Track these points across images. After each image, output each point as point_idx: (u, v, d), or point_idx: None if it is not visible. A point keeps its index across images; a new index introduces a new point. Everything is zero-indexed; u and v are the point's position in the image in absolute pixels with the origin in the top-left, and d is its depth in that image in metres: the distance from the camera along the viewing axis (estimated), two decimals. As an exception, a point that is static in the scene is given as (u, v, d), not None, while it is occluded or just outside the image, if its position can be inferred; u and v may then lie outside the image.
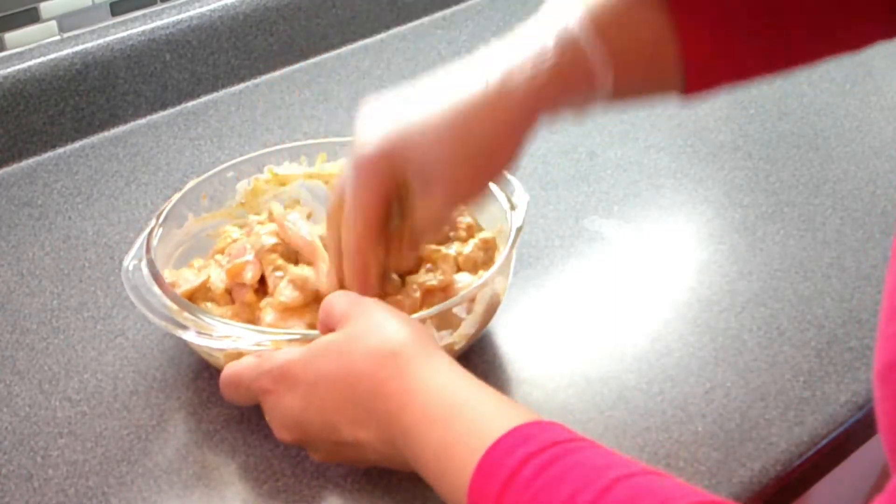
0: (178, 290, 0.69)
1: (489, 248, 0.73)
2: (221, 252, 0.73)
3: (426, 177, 0.59)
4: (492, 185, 0.75)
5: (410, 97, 0.60)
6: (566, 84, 0.58)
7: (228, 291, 0.71)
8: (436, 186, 0.59)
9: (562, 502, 0.46)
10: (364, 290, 0.63)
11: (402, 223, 0.63)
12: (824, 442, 0.67)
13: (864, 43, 0.63)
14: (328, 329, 0.60)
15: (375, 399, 0.54)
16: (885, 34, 0.62)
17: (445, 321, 0.67)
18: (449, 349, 0.68)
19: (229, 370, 0.61)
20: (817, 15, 0.60)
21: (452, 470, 0.51)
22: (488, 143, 0.59)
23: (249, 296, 0.70)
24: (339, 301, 0.60)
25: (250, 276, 0.69)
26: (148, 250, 0.70)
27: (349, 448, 0.57)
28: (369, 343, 0.56)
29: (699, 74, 0.60)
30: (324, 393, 0.56)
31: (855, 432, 0.69)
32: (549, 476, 0.47)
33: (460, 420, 0.52)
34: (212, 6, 1.04)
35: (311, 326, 0.67)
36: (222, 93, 1.07)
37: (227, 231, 0.75)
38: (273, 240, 0.71)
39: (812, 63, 0.63)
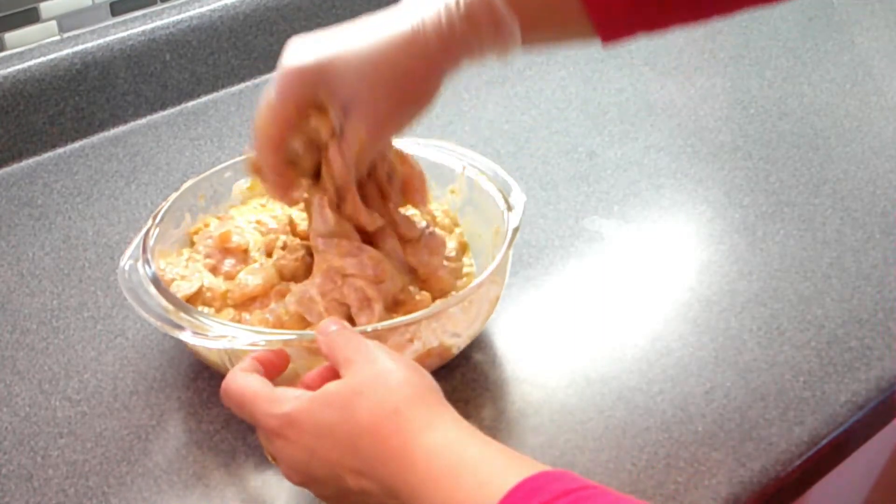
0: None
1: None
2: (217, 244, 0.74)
3: (346, 101, 0.64)
4: (488, 185, 0.76)
5: (336, 35, 0.65)
6: (476, 32, 0.63)
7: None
8: (356, 111, 0.64)
9: None
10: (276, 180, 0.68)
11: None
12: (824, 442, 0.67)
13: None
14: (328, 359, 0.60)
15: (378, 456, 0.54)
16: None
17: (441, 322, 0.67)
18: (446, 350, 0.68)
19: (233, 387, 0.60)
20: None
21: None
22: (406, 75, 0.63)
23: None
24: (340, 342, 0.59)
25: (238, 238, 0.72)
26: (144, 250, 0.70)
27: (355, 496, 0.56)
28: (372, 398, 0.55)
29: (607, 26, 0.64)
30: (328, 445, 0.56)
31: (855, 432, 0.69)
32: None
33: (467, 476, 0.51)
34: (212, 6, 1.04)
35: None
36: (222, 93, 1.07)
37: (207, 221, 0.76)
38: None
39: (728, 14, 0.67)
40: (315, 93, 0.64)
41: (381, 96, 0.64)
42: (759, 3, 0.67)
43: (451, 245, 0.74)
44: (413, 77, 0.64)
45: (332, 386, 0.57)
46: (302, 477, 0.58)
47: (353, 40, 0.64)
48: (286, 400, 0.58)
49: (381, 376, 0.56)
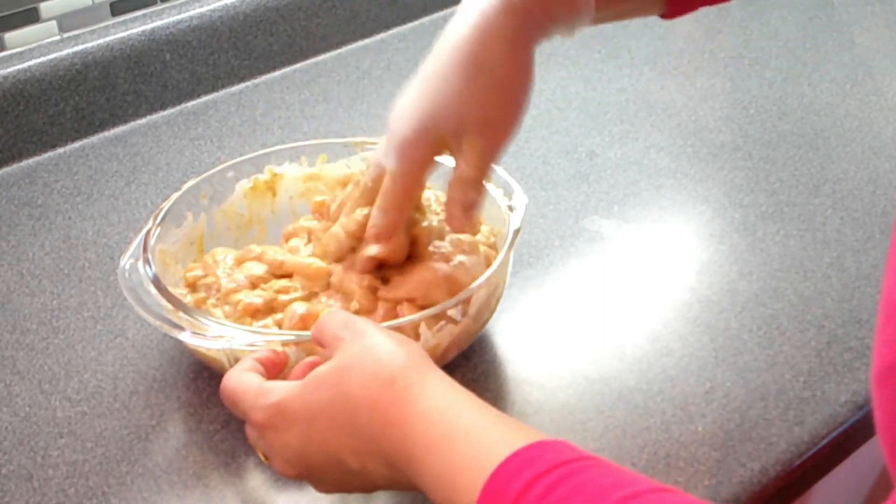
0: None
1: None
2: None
3: (462, 130, 0.64)
4: (490, 187, 0.76)
5: (425, 78, 0.65)
6: (552, 11, 0.63)
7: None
8: (473, 133, 0.64)
9: None
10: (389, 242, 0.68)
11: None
12: (824, 442, 0.67)
13: None
14: (319, 344, 0.60)
15: (378, 428, 0.54)
16: None
17: (440, 323, 0.67)
18: (445, 351, 0.68)
19: (229, 384, 0.60)
20: None
21: (458, 494, 0.50)
22: (499, 73, 0.63)
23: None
24: (330, 321, 0.60)
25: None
26: (145, 250, 0.70)
27: (356, 476, 0.56)
28: (365, 371, 0.55)
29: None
30: (323, 427, 0.55)
31: (855, 432, 0.69)
32: (556, 497, 0.46)
33: (463, 444, 0.51)
34: (212, 6, 1.04)
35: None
36: (222, 93, 1.07)
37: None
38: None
39: None
40: (433, 150, 0.66)
41: (488, 106, 0.64)
42: None
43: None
44: (504, 72, 0.63)
45: (321, 368, 0.57)
46: (298, 468, 0.57)
47: (440, 72, 0.64)
48: (275, 390, 0.58)
49: (371, 349, 0.56)
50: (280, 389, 0.57)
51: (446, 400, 0.54)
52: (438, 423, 0.53)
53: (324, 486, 0.59)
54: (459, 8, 0.65)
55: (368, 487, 0.58)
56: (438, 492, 0.52)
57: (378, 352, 0.56)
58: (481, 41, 0.62)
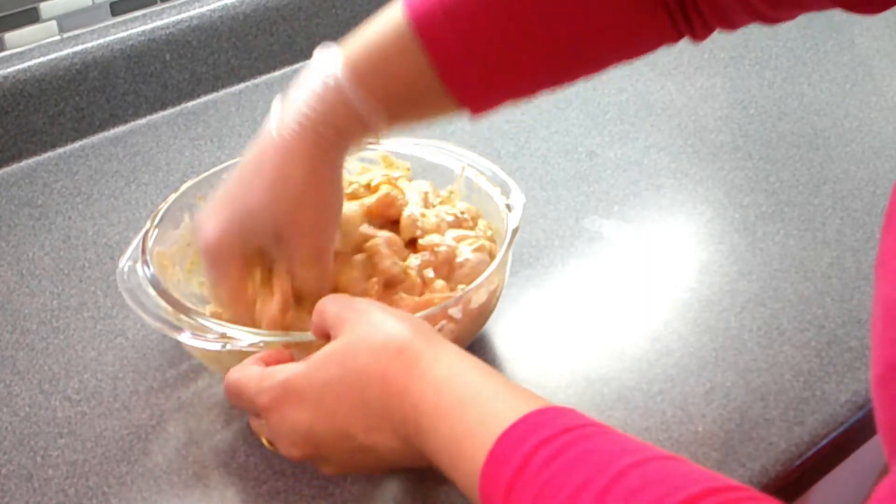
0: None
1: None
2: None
3: (276, 237, 0.66)
4: (487, 186, 0.76)
5: (231, 182, 0.68)
6: (345, 132, 0.65)
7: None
8: (287, 241, 0.66)
9: (574, 489, 0.45)
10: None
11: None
12: (824, 442, 0.67)
13: (645, 50, 0.67)
14: (321, 333, 0.60)
15: (388, 399, 0.54)
16: (665, 39, 0.66)
17: (440, 322, 0.67)
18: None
19: (232, 378, 0.61)
20: (592, 30, 0.64)
21: (465, 459, 0.50)
22: (305, 189, 0.65)
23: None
24: (331, 304, 0.60)
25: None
26: (143, 251, 0.70)
27: (365, 453, 0.56)
28: (373, 343, 0.55)
29: (473, 101, 0.65)
30: (332, 403, 0.55)
31: (855, 432, 0.69)
32: (562, 462, 0.47)
33: (472, 410, 0.52)
34: (212, 6, 1.04)
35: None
36: (222, 93, 1.07)
37: None
38: None
39: (594, 73, 0.67)
40: (241, 249, 0.67)
41: (300, 214, 0.65)
42: (625, 59, 0.68)
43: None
44: (309, 185, 0.65)
45: (327, 347, 0.57)
46: (305, 448, 0.58)
47: (247, 184, 0.66)
48: (280, 371, 0.58)
49: (378, 325, 0.57)
50: (286, 370, 0.58)
51: (456, 368, 0.54)
52: (449, 391, 0.53)
53: (330, 466, 0.59)
54: (258, 133, 0.67)
55: (376, 465, 0.58)
56: (446, 458, 0.52)
57: (385, 326, 0.56)
58: (286, 161, 0.64)
